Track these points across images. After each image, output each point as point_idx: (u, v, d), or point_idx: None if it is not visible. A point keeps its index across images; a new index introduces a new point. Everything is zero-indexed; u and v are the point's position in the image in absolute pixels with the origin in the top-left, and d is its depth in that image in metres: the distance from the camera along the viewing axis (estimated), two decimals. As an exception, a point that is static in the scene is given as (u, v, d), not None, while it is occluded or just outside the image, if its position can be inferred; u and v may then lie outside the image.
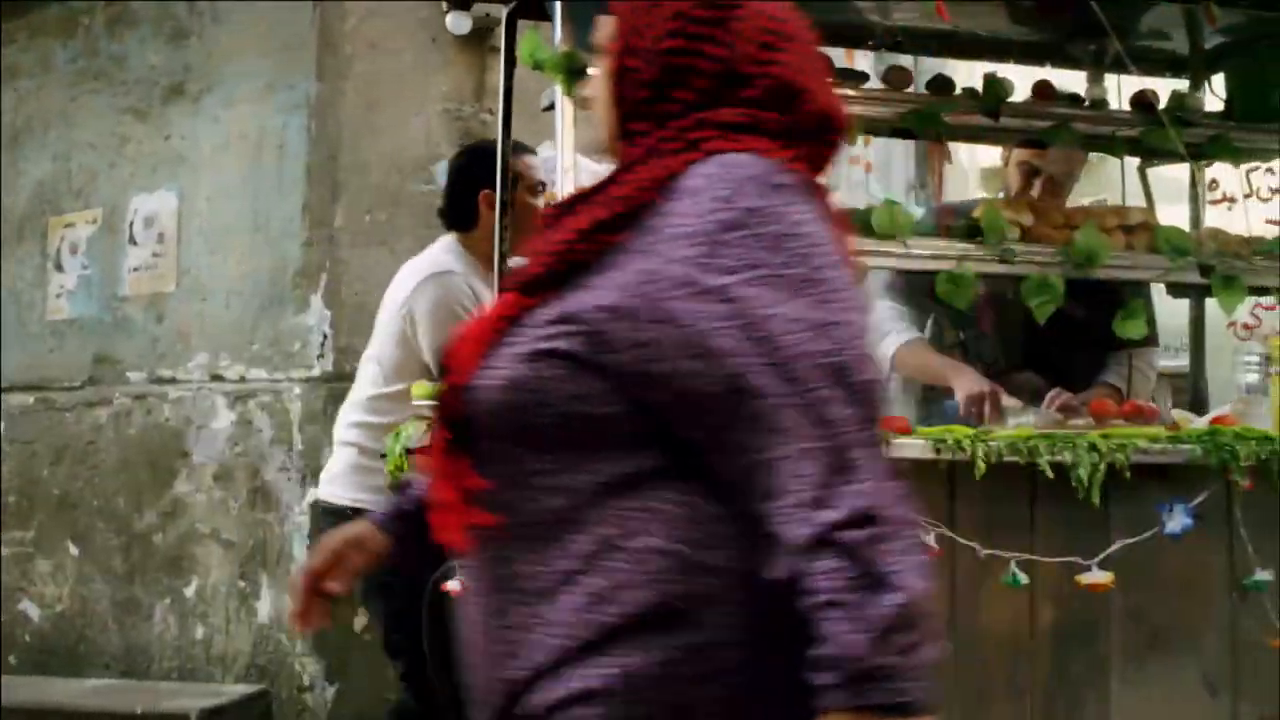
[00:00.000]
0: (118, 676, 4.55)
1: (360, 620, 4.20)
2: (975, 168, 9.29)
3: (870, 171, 7.57)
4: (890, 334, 3.64)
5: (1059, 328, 3.10)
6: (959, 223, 3.15)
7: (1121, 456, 2.80)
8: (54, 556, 4.78)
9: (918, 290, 3.49)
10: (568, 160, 2.89)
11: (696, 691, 1.21)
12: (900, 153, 8.37)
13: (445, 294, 3.25)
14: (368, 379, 3.36)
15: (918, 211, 3.64)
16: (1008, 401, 3.33)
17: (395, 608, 3.18)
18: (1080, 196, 3.87)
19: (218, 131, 4.56)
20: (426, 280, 3.27)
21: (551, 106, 2.98)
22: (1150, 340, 3.51)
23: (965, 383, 3.38)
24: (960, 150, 7.01)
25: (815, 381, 1.15)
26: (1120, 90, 3.46)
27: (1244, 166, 3.47)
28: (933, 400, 3.75)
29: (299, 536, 4.22)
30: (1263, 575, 2.87)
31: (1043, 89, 3.30)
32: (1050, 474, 2.74)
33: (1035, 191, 3.48)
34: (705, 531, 1.23)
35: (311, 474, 4.21)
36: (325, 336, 4.26)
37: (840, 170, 6.13)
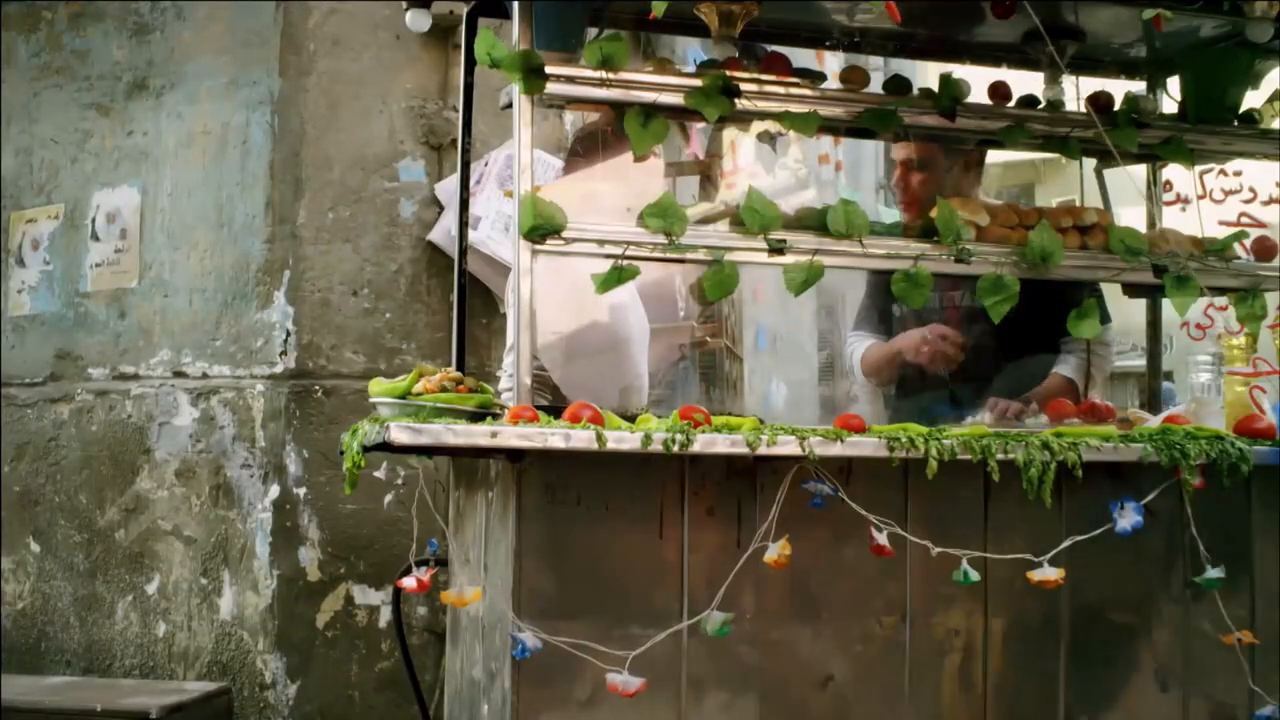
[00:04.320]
0: (79, 674, 4.53)
1: (323, 617, 4.20)
2: (945, 167, 9.32)
3: (840, 171, 7.60)
4: (855, 342, 3.88)
5: (1011, 322, 3.17)
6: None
7: (1073, 455, 2.83)
8: (15, 553, 4.75)
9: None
10: (525, 158, 2.90)
11: None
12: (870, 153, 8.41)
13: None
14: None
15: (888, 213, 3.76)
16: (952, 335, 3.63)
17: None
18: (1049, 198, 3.93)
19: (180, 128, 4.54)
20: None
21: (510, 105, 2.98)
22: (1103, 319, 3.64)
23: (910, 341, 3.75)
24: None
25: None
26: (1078, 92, 3.50)
27: (1198, 168, 3.50)
28: (900, 401, 3.87)
29: (261, 533, 4.22)
30: (1214, 573, 2.90)
31: (999, 90, 3.33)
32: (998, 476, 2.77)
33: (915, 183, 3.72)
34: None
35: (274, 471, 4.21)
36: (288, 333, 4.25)
37: (810, 169, 6.17)
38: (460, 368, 3.48)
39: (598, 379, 3.62)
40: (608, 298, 3.18)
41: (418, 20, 3.35)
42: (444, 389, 2.84)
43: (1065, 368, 3.68)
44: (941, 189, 3.64)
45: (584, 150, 3.76)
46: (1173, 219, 3.76)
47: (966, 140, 3.50)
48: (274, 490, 4.22)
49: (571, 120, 4.49)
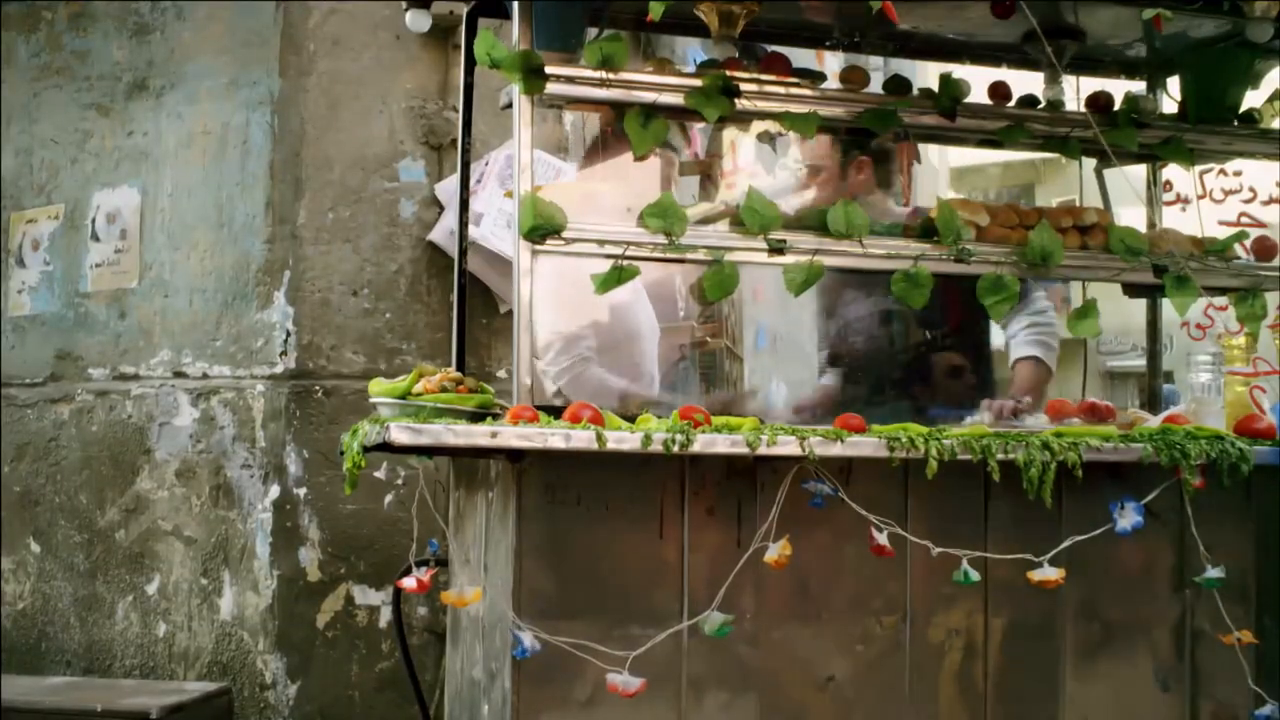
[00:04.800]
0: (79, 674, 4.53)
1: (323, 617, 4.19)
2: (946, 168, 9.34)
3: (840, 171, 7.55)
4: None
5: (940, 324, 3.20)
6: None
7: (1074, 455, 2.83)
8: (15, 553, 4.75)
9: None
10: (525, 158, 2.90)
11: None
12: (870, 152, 8.38)
13: None
14: None
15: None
16: None
17: None
18: (1049, 198, 3.93)
19: (180, 128, 4.54)
20: None
21: (510, 105, 2.98)
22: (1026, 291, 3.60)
23: None
24: (930, 150, 7.06)
25: None
26: (1078, 92, 3.50)
27: (1198, 168, 3.51)
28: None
29: (261, 534, 4.22)
30: (1214, 573, 2.90)
31: (999, 90, 3.33)
32: (998, 476, 2.77)
33: (817, 182, 3.73)
34: None
35: (274, 471, 4.21)
36: (288, 334, 4.25)
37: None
38: (460, 368, 3.48)
39: (606, 377, 3.63)
40: (616, 295, 3.18)
41: (418, 20, 3.35)
42: (444, 389, 2.84)
43: (1025, 349, 3.66)
44: (840, 192, 3.67)
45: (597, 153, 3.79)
46: (1173, 219, 3.76)
47: (964, 139, 3.50)
48: (274, 490, 4.22)
49: (571, 120, 4.49)
